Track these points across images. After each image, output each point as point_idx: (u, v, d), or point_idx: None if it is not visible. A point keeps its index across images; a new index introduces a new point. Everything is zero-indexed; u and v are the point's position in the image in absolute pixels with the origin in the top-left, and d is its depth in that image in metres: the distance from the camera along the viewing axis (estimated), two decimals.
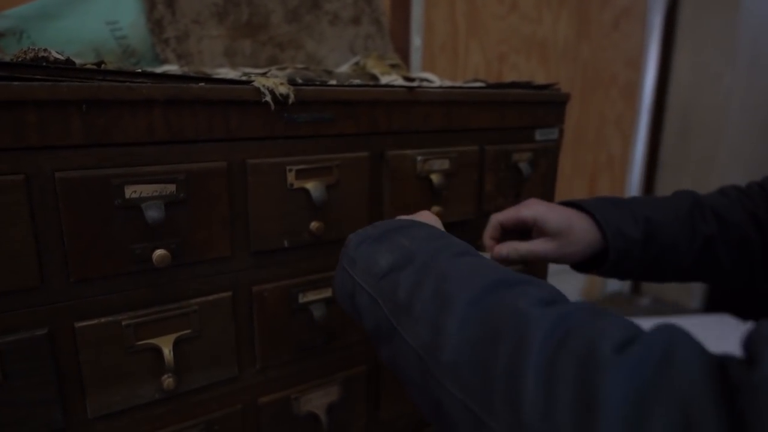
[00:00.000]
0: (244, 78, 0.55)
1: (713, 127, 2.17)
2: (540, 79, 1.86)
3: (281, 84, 0.55)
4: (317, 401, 0.67)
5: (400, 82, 0.74)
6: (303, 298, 0.63)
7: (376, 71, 0.96)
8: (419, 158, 0.68)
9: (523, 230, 0.66)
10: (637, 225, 0.64)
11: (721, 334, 1.68)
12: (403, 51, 1.25)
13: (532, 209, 0.63)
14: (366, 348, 0.71)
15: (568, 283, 2.05)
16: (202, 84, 0.52)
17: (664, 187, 2.32)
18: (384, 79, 0.79)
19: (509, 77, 1.79)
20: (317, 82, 0.61)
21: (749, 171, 2.24)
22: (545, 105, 0.80)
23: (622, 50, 2.11)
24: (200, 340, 0.57)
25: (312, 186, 0.59)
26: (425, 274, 0.41)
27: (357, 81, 0.63)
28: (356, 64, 1.01)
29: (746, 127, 2.18)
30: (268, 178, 0.57)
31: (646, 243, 0.65)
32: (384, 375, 0.73)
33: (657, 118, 2.28)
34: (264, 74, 0.61)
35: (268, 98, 0.54)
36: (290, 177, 0.58)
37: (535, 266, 0.87)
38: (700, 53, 2.17)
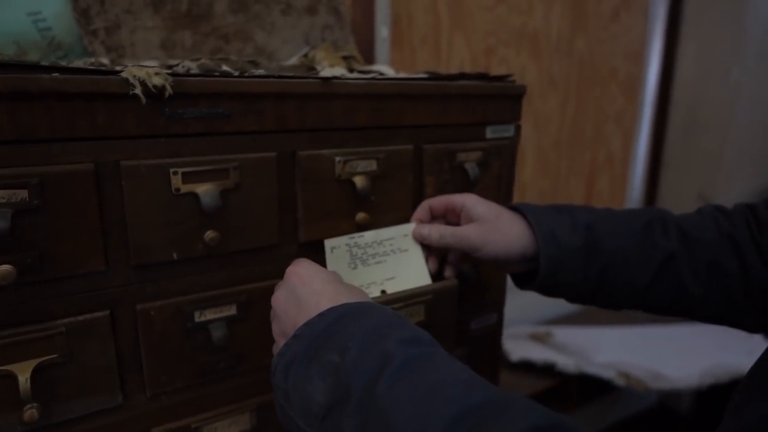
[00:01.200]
0: (118, 68, 0.48)
1: (720, 124, 2.05)
2: (532, 75, 1.76)
3: (156, 74, 0.48)
4: (224, 430, 0.60)
5: (329, 73, 0.66)
6: (200, 317, 0.56)
7: (324, 63, 0.88)
8: (338, 159, 0.60)
9: (452, 222, 0.63)
10: (576, 231, 0.56)
11: (720, 341, 1.57)
12: (368, 43, 1.18)
13: (463, 196, 0.61)
14: None
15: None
16: (55, 74, 0.45)
17: (668, 187, 2.20)
18: (326, 72, 0.71)
19: (498, 73, 1.70)
20: (216, 73, 0.53)
21: (758, 170, 2.11)
22: (497, 99, 0.72)
23: (622, 43, 2.00)
24: (70, 366, 0.50)
25: (202, 191, 0.52)
26: (367, 417, 0.34)
27: (260, 71, 0.55)
28: (305, 56, 0.93)
29: (755, 123, 2.05)
30: (147, 182, 0.50)
31: (589, 254, 0.56)
32: None
33: (660, 114, 2.16)
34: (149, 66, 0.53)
35: (138, 90, 0.47)
36: (175, 180, 0.51)
37: (490, 278, 0.78)
38: (706, 45, 2.05)
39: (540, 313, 1.87)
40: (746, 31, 1.93)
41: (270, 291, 0.59)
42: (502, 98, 0.72)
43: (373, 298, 0.58)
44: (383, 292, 0.61)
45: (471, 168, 0.70)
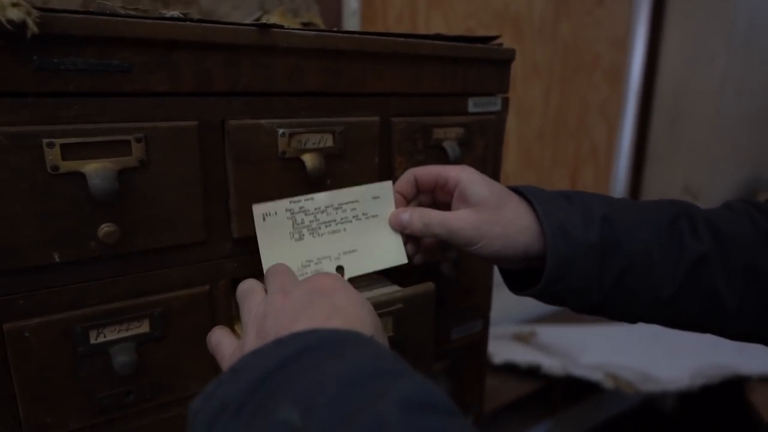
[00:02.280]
0: None
1: (706, 114, 1.97)
2: (515, 59, 1.65)
3: (13, 5, 0.34)
4: None
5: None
6: (97, 338, 0.43)
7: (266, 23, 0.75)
8: (282, 131, 0.47)
9: (441, 201, 0.50)
10: (591, 224, 0.44)
11: (710, 339, 1.50)
12: (335, 14, 1.05)
13: (459, 169, 0.47)
14: None
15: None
16: None
17: (653, 179, 2.13)
18: None
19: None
20: (108, 12, 0.40)
21: (744, 162, 2.05)
22: (481, 65, 0.60)
23: (606, 29, 1.91)
24: None
25: (92, 170, 0.39)
26: None
27: (173, 14, 0.42)
28: (257, 20, 0.79)
29: (741, 113, 1.99)
30: (10, 158, 0.36)
31: (605, 254, 0.44)
32: None
33: (645, 104, 2.08)
34: None
35: None
36: (52, 156, 0.38)
37: (474, 278, 0.67)
38: (692, 33, 1.97)
39: (523, 311, 1.78)
40: (732, 19, 1.86)
41: (195, 300, 0.46)
42: (486, 64, 0.60)
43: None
44: (339, 268, 0.49)
45: (450, 147, 0.58)
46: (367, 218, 0.50)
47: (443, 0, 1.46)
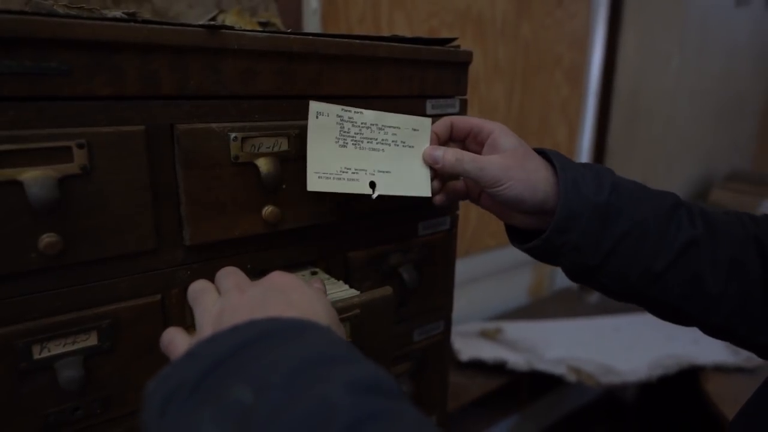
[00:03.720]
0: None
1: (661, 113, 2.04)
2: (477, 59, 1.67)
3: None
4: None
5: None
6: (40, 353, 0.41)
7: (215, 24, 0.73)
8: (234, 135, 0.46)
9: (471, 150, 0.53)
10: (601, 187, 0.48)
11: (666, 331, 1.55)
12: (294, 14, 1.03)
13: (493, 123, 0.52)
14: None
15: (514, 281, 1.90)
16: None
17: None
18: None
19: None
20: (45, 12, 0.38)
21: (698, 158, 2.13)
22: (438, 67, 0.60)
23: (566, 30, 1.95)
24: None
25: (29, 178, 0.37)
26: None
27: (115, 14, 0.41)
28: (212, 20, 0.78)
29: (695, 112, 2.07)
30: None
31: (608, 217, 0.48)
32: None
33: (604, 103, 2.14)
34: None
35: None
36: None
37: (435, 280, 0.67)
38: (647, 34, 2.03)
39: (489, 309, 1.80)
40: (685, 20, 1.93)
41: (146, 311, 0.44)
42: (443, 66, 0.61)
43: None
44: (372, 184, 0.51)
45: None
46: (404, 146, 0.53)
47: (406, 0, 1.46)
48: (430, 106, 0.61)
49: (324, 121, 0.48)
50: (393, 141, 0.52)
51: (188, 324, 0.48)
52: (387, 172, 0.52)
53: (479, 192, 0.55)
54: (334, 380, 0.26)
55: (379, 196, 0.51)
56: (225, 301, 0.35)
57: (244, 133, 0.46)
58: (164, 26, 0.41)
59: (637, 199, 0.49)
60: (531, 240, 0.51)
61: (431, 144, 0.53)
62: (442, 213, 0.66)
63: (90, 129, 0.39)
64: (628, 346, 1.56)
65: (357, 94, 0.54)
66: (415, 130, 0.53)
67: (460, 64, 0.62)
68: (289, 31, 0.49)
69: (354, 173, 0.50)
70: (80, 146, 0.39)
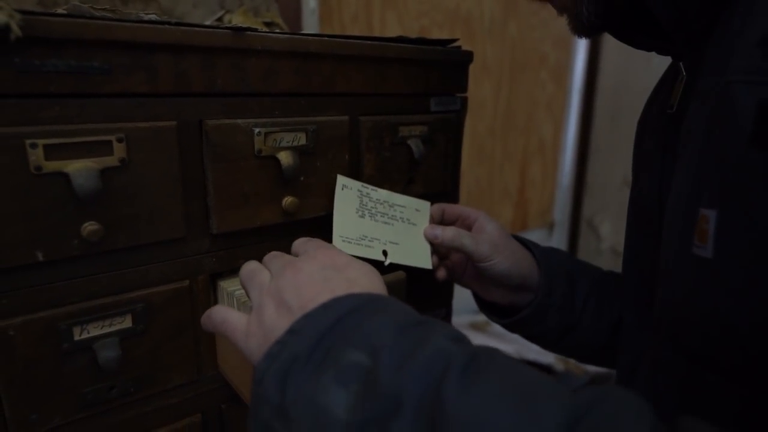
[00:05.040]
0: None
1: (642, 110, 2.11)
2: None
3: None
4: None
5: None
6: (81, 334, 0.43)
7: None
8: (258, 130, 0.49)
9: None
10: (562, 259, 0.60)
11: None
12: (294, 12, 1.06)
13: (477, 210, 0.60)
14: (200, 391, 0.52)
15: None
16: None
17: (596, 173, 2.25)
18: None
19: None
20: (88, 15, 0.41)
21: None
22: (441, 66, 0.64)
23: (551, 29, 2.00)
24: None
25: (75, 170, 0.40)
26: (436, 428, 0.24)
27: (150, 17, 0.44)
28: (219, 20, 0.80)
29: None
30: None
31: (573, 280, 0.59)
32: (231, 423, 0.55)
33: (588, 101, 2.20)
34: None
35: None
36: (35, 156, 0.38)
37: None
38: None
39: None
40: None
41: (176, 295, 0.47)
42: (446, 66, 0.64)
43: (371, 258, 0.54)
44: (385, 253, 0.56)
45: (415, 144, 0.61)
46: (409, 223, 0.59)
47: (398, 0, 1.49)
48: (434, 103, 0.64)
49: (348, 193, 0.55)
50: (401, 218, 0.59)
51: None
52: (396, 243, 0.57)
53: (463, 271, 0.61)
54: (434, 335, 0.29)
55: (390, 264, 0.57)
56: (282, 279, 0.37)
57: (267, 128, 0.49)
58: (195, 28, 0.44)
59: (584, 266, 0.61)
60: (507, 315, 0.60)
61: (429, 223, 0.60)
62: None
63: (128, 124, 0.42)
64: None
65: (368, 91, 0.57)
66: (417, 210, 0.60)
67: (461, 63, 0.66)
68: (307, 33, 0.52)
69: (370, 241, 0.55)
70: (119, 140, 0.42)
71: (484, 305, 0.64)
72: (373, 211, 0.57)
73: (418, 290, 0.63)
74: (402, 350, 0.28)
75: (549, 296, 0.57)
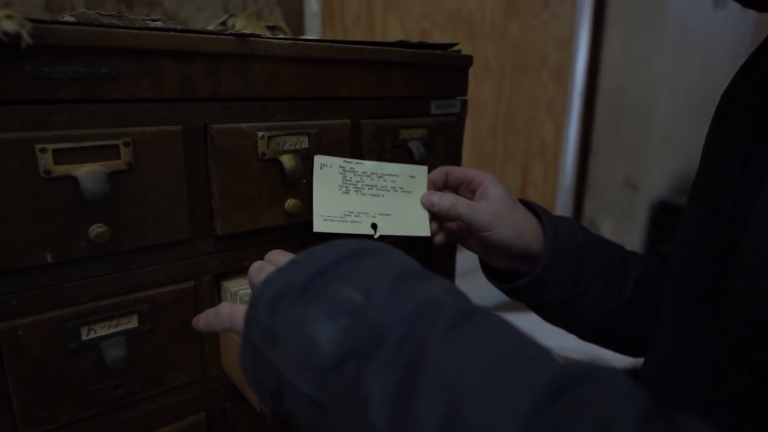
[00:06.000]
0: None
1: (643, 111, 2.11)
2: None
3: (7, 17, 0.36)
4: None
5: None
6: (88, 334, 0.44)
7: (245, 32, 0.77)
8: (261, 134, 0.50)
9: (464, 196, 0.57)
10: (575, 233, 0.56)
11: None
12: (297, 16, 1.07)
13: (483, 173, 0.56)
14: (204, 390, 0.53)
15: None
16: None
17: (597, 173, 2.25)
18: None
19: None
20: (96, 23, 0.42)
21: (678, 154, 2.21)
22: (441, 70, 0.65)
23: (552, 31, 2.01)
24: None
25: (83, 173, 0.41)
26: (413, 373, 0.24)
27: (156, 24, 0.45)
28: (223, 24, 0.81)
29: (676, 109, 2.14)
30: (4, 162, 0.38)
31: (582, 256, 0.55)
32: (234, 420, 0.56)
33: (589, 101, 2.21)
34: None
35: None
36: (44, 160, 0.39)
37: (439, 265, 0.71)
38: (629, 35, 2.10)
39: (479, 301, 1.86)
40: (665, 20, 2.00)
41: (181, 295, 0.48)
42: (446, 69, 0.65)
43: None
44: (374, 226, 0.54)
45: (415, 147, 0.62)
46: (402, 192, 0.57)
47: (399, 2, 1.50)
48: (434, 106, 0.65)
49: (327, 171, 0.53)
50: (392, 187, 0.56)
51: None
52: (387, 214, 0.55)
53: (468, 235, 0.59)
54: (433, 286, 0.30)
55: (381, 237, 0.55)
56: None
57: (270, 132, 0.50)
58: (200, 35, 0.45)
59: (600, 243, 0.58)
60: (510, 281, 0.57)
61: (428, 190, 0.58)
62: None
63: (134, 129, 0.43)
64: None
65: (369, 95, 0.58)
66: (412, 177, 0.57)
67: (461, 67, 0.67)
68: (309, 38, 0.53)
69: (356, 216, 0.54)
70: (126, 144, 0.43)
71: (488, 269, 0.61)
72: (359, 185, 0.55)
73: None
74: (396, 294, 0.29)
75: (549, 271, 0.54)
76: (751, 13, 2.25)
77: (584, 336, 0.60)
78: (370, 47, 0.57)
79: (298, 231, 0.56)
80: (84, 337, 0.44)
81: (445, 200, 0.54)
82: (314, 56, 0.52)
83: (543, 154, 2.12)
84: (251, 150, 0.50)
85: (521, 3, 1.84)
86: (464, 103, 0.69)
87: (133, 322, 0.47)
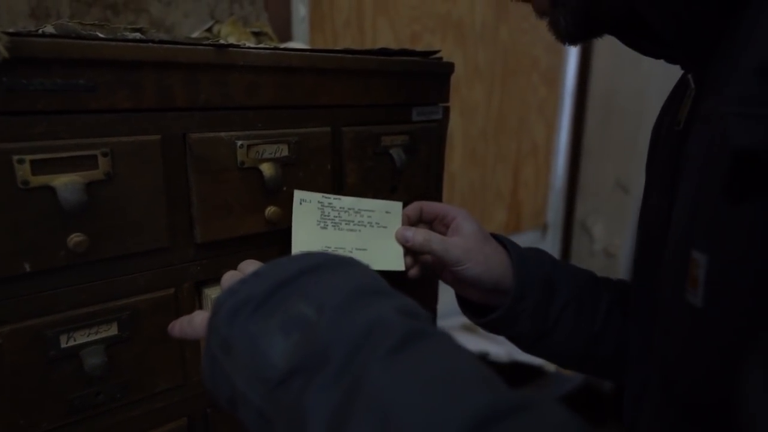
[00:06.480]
0: None
1: (633, 113, 2.13)
2: (458, 62, 1.71)
3: None
4: None
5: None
6: (67, 342, 0.45)
7: (230, 39, 0.78)
8: (240, 143, 0.50)
9: (437, 232, 0.59)
10: (543, 264, 0.57)
11: None
12: (284, 21, 1.08)
13: (457, 209, 0.58)
14: (185, 396, 0.54)
15: None
16: None
17: (588, 175, 2.27)
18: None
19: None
20: (74, 35, 0.42)
21: None
22: (423, 77, 0.65)
23: (542, 34, 1.99)
24: None
25: (61, 184, 0.41)
26: (351, 396, 0.25)
27: (135, 35, 0.45)
28: (209, 30, 0.82)
29: None
30: None
31: (551, 288, 0.56)
32: (216, 426, 0.56)
33: (580, 103, 2.22)
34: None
35: None
36: (22, 171, 0.40)
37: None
38: None
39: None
40: None
41: (160, 303, 0.49)
42: (427, 77, 0.66)
43: None
44: None
45: (397, 154, 0.63)
46: (378, 227, 0.59)
47: (389, 6, 1.51)
48: (416, 113, 0.66)
49: (307, 207, 0.55)
50: (368, 223, 0.58)
51: None
52: (364, 249, 0.57)
53: (442, 268, 0.60)
54: (384, 304, 0.30)
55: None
56: None
57: (249, 140, 0.51)
58: (178, 46, 0.46)
59: (570, 271, 0.59)
60: (484, 314, 0.58)
61: (403, 224, 0.59)
62: None
63: (113, 139, 0.44)
64: None
65: (350, 103, 0.59)
66: (387, 212, 0.59)
67: (443, 74, 0.68)
68: (288, 47, 0.54)
69: (334, 251, 0.55)
70: (104, 154, 0.43)
71: (464, 303, 0.62)
72: (337, 220, 0.57)
73: (401, 291, 0.65)
74: (348, 311, 0.29)
75: (519, 302, 0.55)
76: None
77: (564, 364, 0.62)
78: (350, 56, 0.57)
79: (278, 238, 0.57)
80: (63, 345, 0.45)
81: (418, 236, 0.55)
82: (294, 65, 0.53)
83: (534, 155, 2.14)
84: (230, 159, 0.50)
85: (511, 6, 1.85)
86: (446, 110, 0.70)
87: (112, 330, 0.47)
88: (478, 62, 1.80)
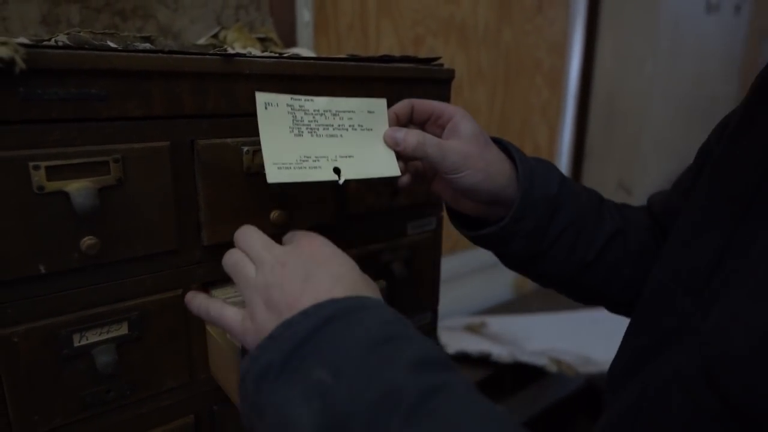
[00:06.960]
0: None
1: (637, 114, 2.13)
2: (461, 65, 1.74)
3: (1, 44, 0.38)
4: None
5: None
6: (80, 341, 0.47)
7: (236, 45, 0.79)
8: (246, 149, 0.52)
9: (432, 133, 0.52)
10: (552, 181, 0.52)
11: None
12: (289, 26, 1.09)
13: (454, 107, 0.51)
14: (193, 393, 0.55)
15: (498, 277, 1.97)
16: None
17: (591, 177, 2.28)
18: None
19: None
20: (87, 46, 0.44)
21: (671, 157, 2.23)
22: (425, 84, 0.67)
23: (545, 36, 2.03)
24: None
25: (74, 189, 0.43)
26: None
27: (145, 45, 0.47)
28: (215, 36, 0.84)
29: (668, 113, 2.16)
30: None
31: (557, 206, 0.51)
32: (222, 423, 0.58)
33: (582, 105, 2.23)
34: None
35: None
36: (38, 177, 0.42)
37: (422, 274, 0.74)
38: (623, 39, 2.12)
39: (474, 303, 1.88)
40: (658, 25, 2.02)
41: (169, 303, 0.51)
42: (429, 83, 0.67)
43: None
44: (337, 170, 0.49)
45: None
46: (362, 130, 0.51)
47: (392, 9, 1.52)
48: None
49: (274, 111, 0.47)
50: (350, 125, 0.51)
51: None
52: (350, 156, 0.50)
53: (433, 176, 0.55)
54: (394, 364, 0.30)
55: (347, 181, 0.50)
56: (268, 275, 0.38)
57: (255, 146, 0.52)
58: (186, 56, 0.47)
59: (576, 193, 0.54)
60: (477, 227, 0.53)
61: (390, 125, 0.52)
62: (429, 214, 0.73)
63: (123, 146, 0.46)
64: (605, 337, 1.63)
65: None
66: (370, 112, 0.52)
67: (444, 81, 0.69)
68: (292, 56, 0.55)
69: (315, 161, 0.48)
70: (116, 161, 0.45)
71: (454, 213, 0.57)
72: (313, 125, 0.49)
73: (400, 296, 0.66)
74: (358, 374, 0.30)
75: (518, 222, 0.50)
76: (744, 18, 2.28)
77: (546, 285, 0.58)
78: (353, 63, 0.59)
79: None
80: (76, 344, 0.46)
81: (411, 138, 0.49)
82: (298, 73, 0.54)
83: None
84: (237, 164, 0.52)
85: (514, 8, 1.86)
86: None
87: (123, 329, 0.49)
88: (480, 64, 1.81)
